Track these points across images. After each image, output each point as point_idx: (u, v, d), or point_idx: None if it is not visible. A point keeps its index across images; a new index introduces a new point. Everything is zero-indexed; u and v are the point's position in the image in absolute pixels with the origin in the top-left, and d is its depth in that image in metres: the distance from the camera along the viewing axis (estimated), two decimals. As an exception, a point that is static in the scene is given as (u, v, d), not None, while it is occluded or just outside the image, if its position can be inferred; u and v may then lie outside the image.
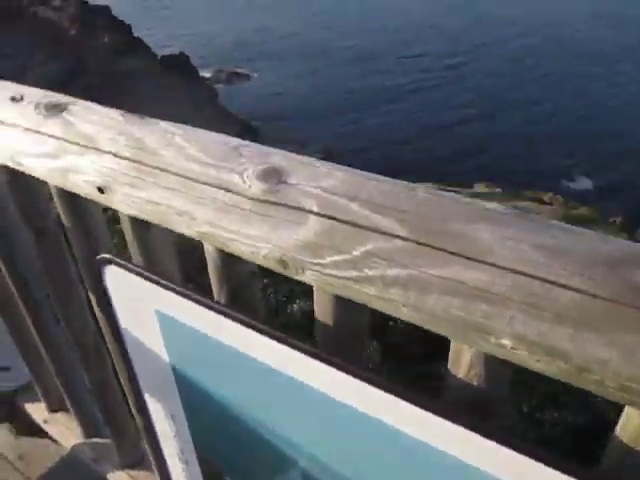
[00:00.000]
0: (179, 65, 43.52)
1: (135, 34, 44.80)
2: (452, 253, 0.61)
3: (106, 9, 45.76)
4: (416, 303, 0.63)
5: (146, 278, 0.86)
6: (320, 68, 49.88)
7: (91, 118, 0.96)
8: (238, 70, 50.48)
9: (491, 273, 0.59)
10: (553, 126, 35.97)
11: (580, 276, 0.55)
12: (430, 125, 37.00)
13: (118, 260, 0.90)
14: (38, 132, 0.99)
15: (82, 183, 0.94)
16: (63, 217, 1.16)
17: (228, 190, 0.76)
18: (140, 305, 0.92)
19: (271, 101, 44.00)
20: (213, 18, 71.22)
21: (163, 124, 0.91)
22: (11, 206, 1.33)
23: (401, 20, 62.59)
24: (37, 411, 2.19)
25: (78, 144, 0.93)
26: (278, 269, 0.74)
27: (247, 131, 35.89)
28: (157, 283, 0.85)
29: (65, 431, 2.11)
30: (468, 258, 0.60)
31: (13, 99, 1.06)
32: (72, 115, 0.98)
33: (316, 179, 0.72)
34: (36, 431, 2.27)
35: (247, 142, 0.82)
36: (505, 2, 65.12)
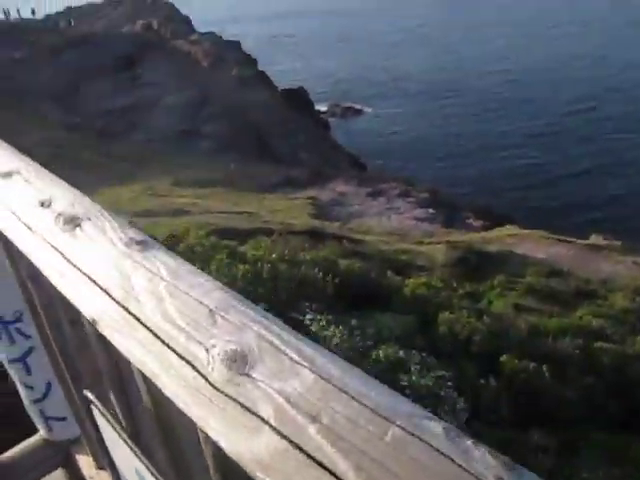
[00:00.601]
0: (298, 98, 45.23)
1: (260, 67, 47.28)
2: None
3: (237, 44, 48.87)
4: None
5: (124, 440, 0.79)
6: (433, 109, 49.48)
7: (97, 240, 0.92)
8: (353, 106, 51.36)
9: None
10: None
11: None
12: (548, 173, 35.23)
13: (98, 405, 0.83)
14: (52, 246, 0.97)
15: (80, 305, 0.90)
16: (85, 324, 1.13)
17: (193, 367, 0.67)
18: (119, 453, 0.85)
19: (383, 138, 44.17)
20: (336, 55, 73.55)
21: (160, 257, 0.84)
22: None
23: (520, 65, 60.79)
24: (86, 465, 2.22)
25: (79, 270, 0.89)
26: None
27: (355, 166, 36.24)
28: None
29: (107, 491, 2.12)
30: None
31: (42, 204, 1.06)
32: (83, 232, 0.95)
33: (282, 377, 0.60)
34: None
35: (230, 301, 0.72)
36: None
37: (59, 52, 45.28)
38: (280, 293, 8.08)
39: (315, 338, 6.68)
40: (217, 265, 8.02)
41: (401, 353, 6.99)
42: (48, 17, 59.91)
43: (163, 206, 20.68)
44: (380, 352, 7.06)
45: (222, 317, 0.70)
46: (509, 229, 20.33)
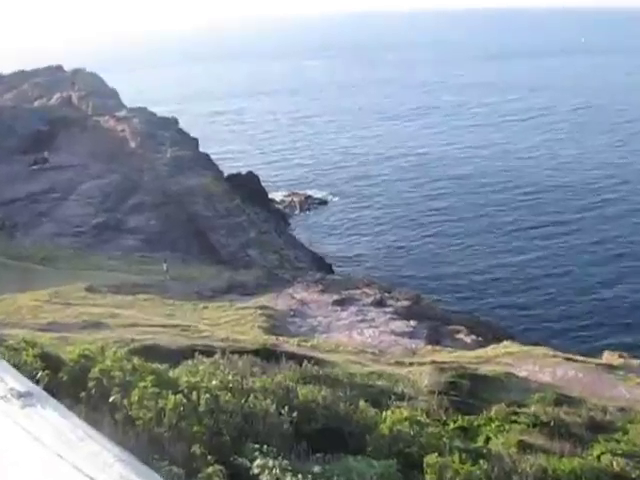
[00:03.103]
0: (247, 185, 46.21)
1: (202, 149, 48.54)
2: None
3: (173, 121, 50.35)
4: None
5: None
6: (408, 199, 51.24)
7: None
8: (314, 195, 52.33)
9: None
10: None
11: None
12: (548, 284, 36.24)
13: None
14: None
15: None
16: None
17: None
18: None
19: (351, 234, 45.04)
20: (292, 136, 76.46)
21: (46, 415, 0.81)
22: None
23: (506, 156, 64.22)
24: None
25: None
26: None
27: (319, 267, 36.53)
28: None
29: None
30: None
31: None
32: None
33: None
34: None
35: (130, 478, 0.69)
36: None
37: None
38: (222, 431, 7.81)
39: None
40: (140, 395, 7.75)
41: (378, 512, 6.73)
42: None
43: (74, 317, 20.24)
44: None
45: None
46: (507, 346, 20.51)
